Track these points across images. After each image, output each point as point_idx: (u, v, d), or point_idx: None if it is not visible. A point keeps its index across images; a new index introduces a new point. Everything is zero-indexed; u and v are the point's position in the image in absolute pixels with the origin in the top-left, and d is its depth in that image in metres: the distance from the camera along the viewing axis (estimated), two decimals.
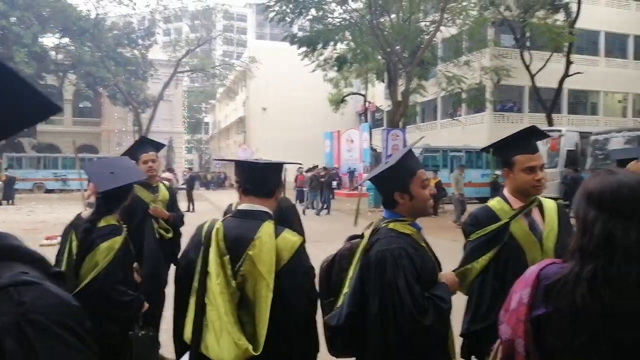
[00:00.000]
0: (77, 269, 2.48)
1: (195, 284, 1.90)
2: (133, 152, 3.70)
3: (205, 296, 1.87)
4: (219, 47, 55.48)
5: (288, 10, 21.19)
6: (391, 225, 1.94)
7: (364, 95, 32.81)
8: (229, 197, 4.44)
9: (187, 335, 1.90)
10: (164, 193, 3.75)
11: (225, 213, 3.03)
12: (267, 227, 1.89)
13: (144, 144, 3.74)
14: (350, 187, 27.49)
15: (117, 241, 2.53)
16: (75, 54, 29.49)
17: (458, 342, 2.17)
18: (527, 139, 2.18)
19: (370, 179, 2.12)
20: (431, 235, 8.37)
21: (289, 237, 1.91)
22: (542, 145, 17.15)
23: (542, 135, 2.30)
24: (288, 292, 1.83)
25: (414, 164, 2.03)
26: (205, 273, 1.88)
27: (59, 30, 29.89)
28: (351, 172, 28.58)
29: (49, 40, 30.89)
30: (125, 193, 2.69)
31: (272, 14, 21.54)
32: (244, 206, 1.99)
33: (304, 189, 20.60)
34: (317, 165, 21.09)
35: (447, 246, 2.09)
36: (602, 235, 1.19)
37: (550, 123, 22.14)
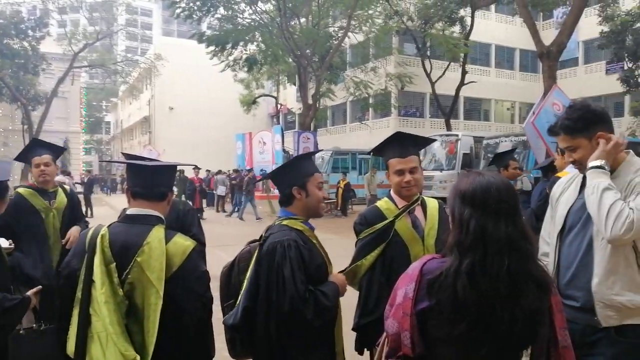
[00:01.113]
0: None
1: (79, 293, 1.80)
2: (24, 155, 3.47)
3: (90, 306, 1.77)
4: (122, 43, 52.35)
5: (195, 8, 20.60)
6: (285, 222, 2.04)
7: (275, 97, 32.81)
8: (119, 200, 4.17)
9: (69, 349, 1.78)
10: (61, 199, 3.48)
11: (119, 216, 2.90)
12: (157, 232, 1.83)
13: (36, 147, 3.44)
14: (263, 190, 27.34)
15: None
16: None
17: (352, 336, 2.25)
18: (396, 144, 2.31)
19: (273, 173, 2.22)
20: (340, 235, 8.57)
21: (181, 242, 1.86)
22: (442, 149, 18.44)
23: (413, 140, 2.38)
24: (179, 298, 1.78)
25: (313, 166, 2.17)
26: (89, 282, 1.79)
27: None
28: (264, 175, 28.42)
29: None
30: None
31: (178, 10, 20.81)
32: (132, 210, 1.91)
33: (215, 192, 20.12)
34: (252, 169, 20.51)
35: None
36: (477, 231, 1.31)
37: (448, 128, 23.73)
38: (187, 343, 1.82)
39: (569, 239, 1.93)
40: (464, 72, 23.99)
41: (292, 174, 2.10)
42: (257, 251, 2.02)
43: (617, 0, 21.15)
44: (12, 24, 29.22)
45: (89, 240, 1.85)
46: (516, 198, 1.38)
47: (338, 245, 2.06)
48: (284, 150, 26.05)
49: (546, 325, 1.37)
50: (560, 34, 14.22)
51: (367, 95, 25.41)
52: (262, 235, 2.09)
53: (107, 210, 18.96)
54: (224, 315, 2.12)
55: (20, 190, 3.40)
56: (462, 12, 23.62)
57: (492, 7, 29.09)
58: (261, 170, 29.07)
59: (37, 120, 29.60)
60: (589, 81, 28.10)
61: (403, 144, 2.30)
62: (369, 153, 2.66)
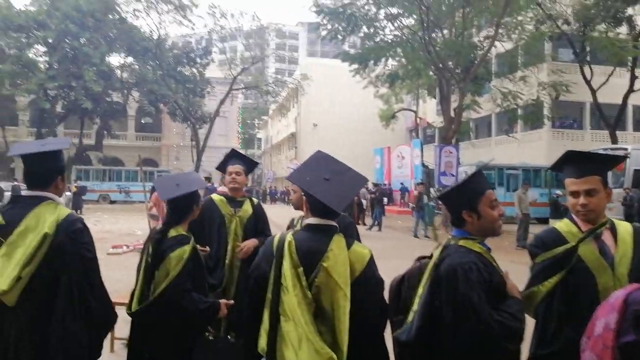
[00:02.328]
0: (150, 279, 2.57)
1: (269, 295, 1.96)
2: (223, 164, 3.76)
3: (280, 307, 1.91)
4: (272, 65, 56.87)
5: (340, 29, 21.50)
6: (461, 242, 1.98)
7: (414, 111, 32.56)
8: (281, 212, 4.44)
9: (261, 345, 1.95)
10: (246, 208, 3.63)
11: (289, 227, 3.10)
12: (339, 240, 1.96)
13: (232, 157, 3.73)
14: (401, 205, 27.27)
15: (185, 250, 2.56)
16: (139, 73, 31.14)
17: None
18: (571, 162, 2.13)
19: (439, 197, 2.19)
20: None
21: (360, 250, 2.00)
22: None
23: (590, 159, 2.16)
24: (362, 302, 1.89)
25: (483, 183, 2.06)
26: (279, 285, 1.93)
27: (124, 50, 31.70)
28: (403, 189, 28.33)
29: (115, 59, 32.82)
30: (189, 202, 2.74)
31: (324, 32, 21.93)
32: (312, 220, 2.05)
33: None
34: (422, 183, 19.87)
35: (504, 267, 2.04)
36: None
37: (614, 140, 21.07)
38: (368, 346, 1.92)
39: None
40: (633, 78, 21.12)
41: (461, 197, 2.04)
42: (430, 270, 1.99)
43: None
44: (184, 54, 33.75)
45: (276, 245, 2.02)
46: None
47: None
48: (423, 164, 25.68)
49: None
50: None
51: (515, 107, 23.81)
52: (432, 254, 2.07)
53: None
54: (392, 329, 2.14)
55: (213, 196, 3.71)
56: (630, 11, 20.93)
57: None
58: (401, 184, 29.09)
59: (202, 137, 33.53)
60: None
61: (578, 163, 2.10)
62: (547, 170, 2.50)
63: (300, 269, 1.91)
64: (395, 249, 11.70)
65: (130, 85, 32.54)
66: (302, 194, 2.64)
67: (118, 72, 32.09)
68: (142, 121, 43.40)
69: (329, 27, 21.60)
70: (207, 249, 3.13)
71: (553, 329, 2.04)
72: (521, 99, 22.90)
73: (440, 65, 20.37)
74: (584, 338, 1.33)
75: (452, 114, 20.74)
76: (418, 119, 32.90)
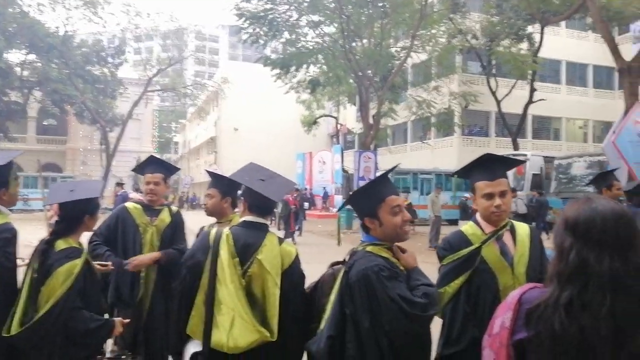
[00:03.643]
0: (35, 297, 2.29)
1: (205, 281, 2.12)
2: (140, 168, 3.53)
3: (215, 294, 2.08)
4: (191, 67, 55.27)
5: (262, 33, 21.36)
6: (368, 248, 1.97)
7: (335, 118, 33.16)
8: (198, 218, 4.28)
9: (190, 329, 2.11)
10: (163, 217, 3.40)
11: (197, 235, 2.97)
12: (272, 237, 2.21)
13: (151, 164, 3.46)
14: (323, 209, 27.56)
15: (76, 264, 2.32)
16: (42, 71, 28.72)
17: None
18: (485, 166, 2.18)
19: (346, 202, 2.19)
20: None
21: (289, 247, 2.25)
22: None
23: (503, 162, 2.26)
24: (288, 292, 2.12)
25: (385, 189, 2.02)
26: (214, 273, 2.10)
27: (25, 46, 29.12)
28: (325, 193, 28.65)
29: (14, 56, 29.99)
30: (80, 211, 2.50)
31: (245, 36, 21.66)
32: (249, 218, 2.27)
33: (275, 210, 20.45)
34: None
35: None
36: (576, 262, 1.22)
37: (515, 147, 22.85)
38: (290, 328, 2.13)
39: None
40: (532, 90, 23.12)
41: (361, 204, 2.03)
42: (341, 278, 1.96)
43: None
44: (94, 52, 31.70)
45: (213, 237, 2.19)
46: (630, 230, 1.25)
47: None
48: (343, 169, 26.19)
49: None
50: None
51: (429, 114, 25.08)
52: (345, 259, 2.05)
53: None
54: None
55: (128, 204, 3.44)
56: (530, 29, 22.90)
57: (563, 22, 27.93)
58: (323, 188, 29.45)
59: (113, 140, 31.66)
60: None
61: (492, 166, 2.17)
62: (452, 175, 2.58)
63: (237, 259, 2.11)
64: (316, 254, 11.69)
65: (31, 84, 29.85)
66: (222, 199, 2.89)
67: (18, 69, 29.38)
68: (45, 123, 40.12)
69: (250, 31, 21.36)
70: (110, 264, 2.86)
71: (459, 329, 2.08)
72: (434, 107, 24.15)
73: (360, 74, 20.91)
74: (485, 336, 1.38)
75: (371, 120, 21.35)
76: (339, 125, 33.51)
